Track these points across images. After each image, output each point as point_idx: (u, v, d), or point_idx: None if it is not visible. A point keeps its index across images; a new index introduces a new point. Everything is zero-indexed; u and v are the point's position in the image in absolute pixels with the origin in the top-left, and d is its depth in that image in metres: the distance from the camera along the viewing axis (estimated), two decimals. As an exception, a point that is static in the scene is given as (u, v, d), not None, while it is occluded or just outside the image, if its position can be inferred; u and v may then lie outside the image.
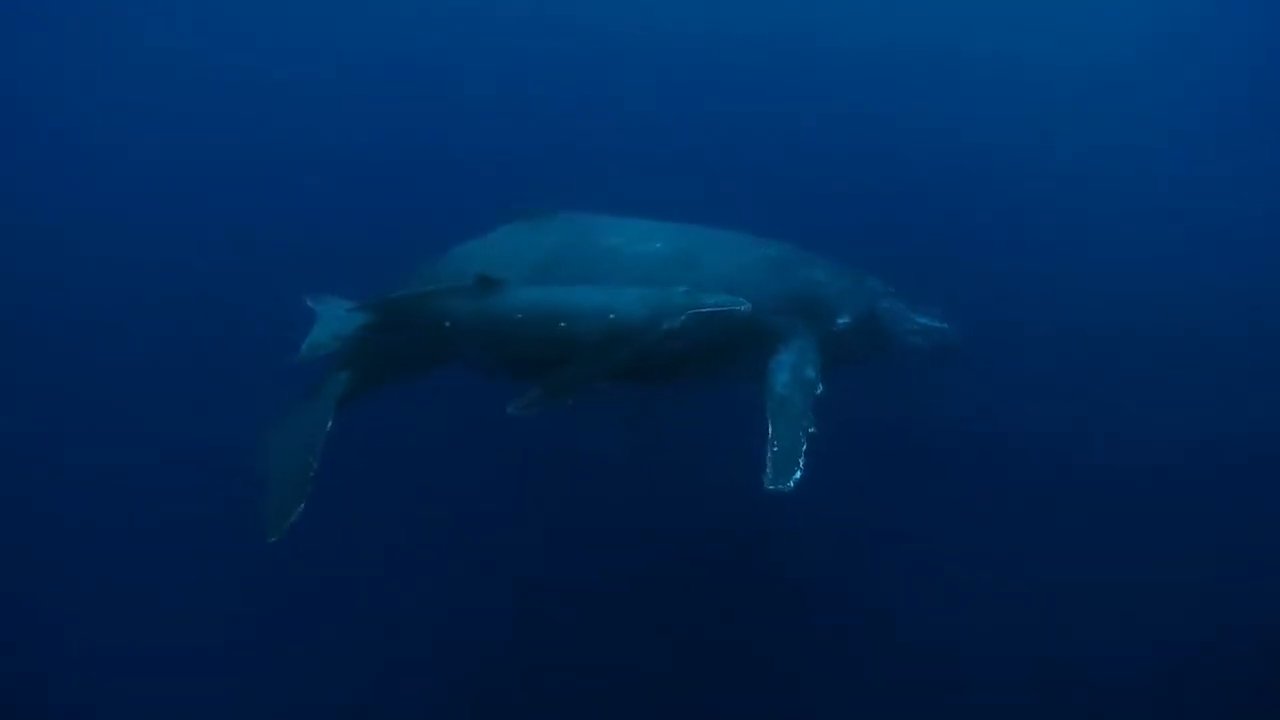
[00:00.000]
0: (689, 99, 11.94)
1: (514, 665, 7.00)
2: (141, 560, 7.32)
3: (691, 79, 12.26)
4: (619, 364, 5.89)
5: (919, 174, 11.05)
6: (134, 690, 6.71)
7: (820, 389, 5.90)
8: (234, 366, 7.10)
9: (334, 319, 6.08)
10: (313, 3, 13.43)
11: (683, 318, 5.86)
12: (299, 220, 9.54)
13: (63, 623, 7.12)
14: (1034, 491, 7.93)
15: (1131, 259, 10.29)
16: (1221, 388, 8.94)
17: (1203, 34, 12.97)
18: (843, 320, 6.45)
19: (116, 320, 9.22)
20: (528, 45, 12.85)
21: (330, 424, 5.95)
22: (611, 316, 5.84)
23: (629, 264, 6.38)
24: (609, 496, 7.54)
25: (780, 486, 5.37)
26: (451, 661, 7.01)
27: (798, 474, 5.40)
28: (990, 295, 9.21)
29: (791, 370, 6.01)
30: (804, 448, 5.52)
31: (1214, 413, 8.65)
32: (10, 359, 8.70)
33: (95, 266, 9.80)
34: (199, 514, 7.41)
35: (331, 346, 5.97)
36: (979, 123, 11.83)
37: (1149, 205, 11.02)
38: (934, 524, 7.58)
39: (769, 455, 5.55)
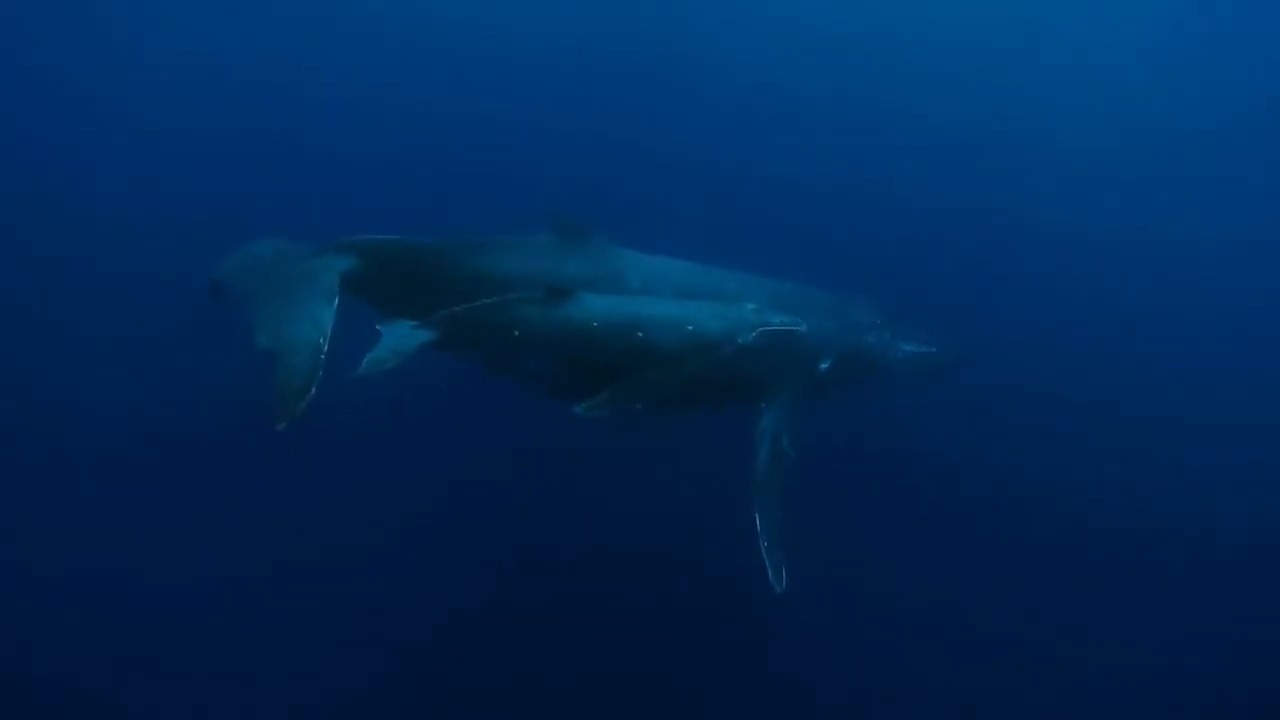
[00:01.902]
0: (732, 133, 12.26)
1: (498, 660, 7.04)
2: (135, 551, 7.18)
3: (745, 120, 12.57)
4: (690, 375, 5.91)
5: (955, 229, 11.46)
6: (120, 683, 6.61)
7: (792, 455, 6.30)
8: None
9: (396, 336, 5.74)
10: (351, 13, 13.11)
11: (753, 334, 6.00)
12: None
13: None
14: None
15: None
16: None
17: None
18: (824, 365, 6.74)
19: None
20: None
21: (337, 302, 5.87)
22: (689, 328, 5.90)
23: None
24: (597, 497, 7.59)
25: (778, 587, 5.74)
26: (434, 656, 7.05)
27: (784, 572, 5.78)
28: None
29: (771, 442, 6.31)
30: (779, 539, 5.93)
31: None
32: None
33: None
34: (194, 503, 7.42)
35: (392, 362, 5.59)
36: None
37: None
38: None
39: (764, 553, 5.86)
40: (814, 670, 7.11)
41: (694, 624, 7.18)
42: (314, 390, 5.32)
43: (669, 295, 6.44)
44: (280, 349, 5.59)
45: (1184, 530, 8.27)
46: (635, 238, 6.87)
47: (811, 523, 6.00)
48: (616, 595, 7.22)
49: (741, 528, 5.96)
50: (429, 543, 7.49)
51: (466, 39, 13.05)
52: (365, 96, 12.07)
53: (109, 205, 10.08)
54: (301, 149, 10.85)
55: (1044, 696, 7.17)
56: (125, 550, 7.19)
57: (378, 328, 5.85)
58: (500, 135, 11.79)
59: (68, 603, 7.01)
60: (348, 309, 6.03)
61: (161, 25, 12.18)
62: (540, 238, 6.64)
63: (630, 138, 11.85)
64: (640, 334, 5.79)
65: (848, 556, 7.17)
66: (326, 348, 5.55)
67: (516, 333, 5.79)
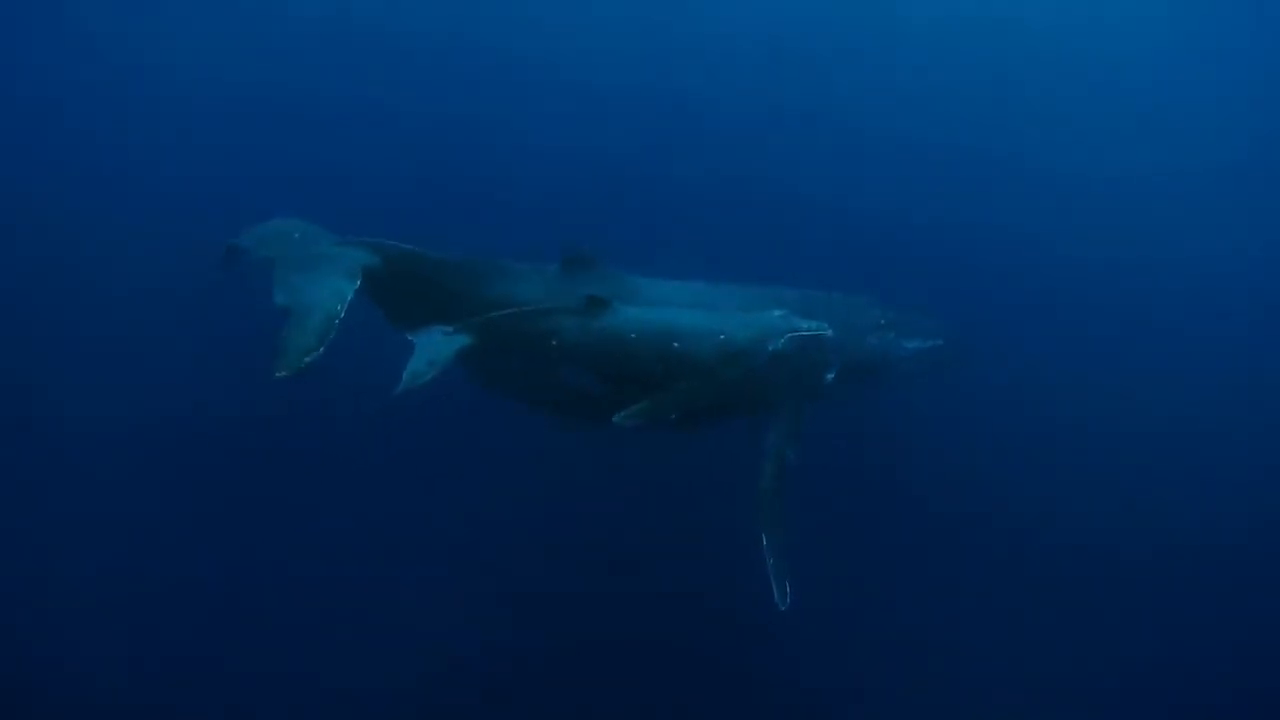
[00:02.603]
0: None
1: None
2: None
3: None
4: (722, 384, 6.00)
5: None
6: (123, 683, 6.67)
7: (794, 459, 6.35)
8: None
9: (431, 345, 5.73)
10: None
11: (782, 340, 6.11)
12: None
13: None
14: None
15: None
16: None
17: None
18: (829, 376, 6.71)
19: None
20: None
21: (358, 284, 5.96)
22: (721, 337, 6.00)
23: None
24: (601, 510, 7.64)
25: (783, 604, 5.79)
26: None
27: (789, 590, 5.81)
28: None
29: (776, 457, 6.32)
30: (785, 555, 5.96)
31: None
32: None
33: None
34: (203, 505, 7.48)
35: (430, 374, 5.58)
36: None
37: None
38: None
39: (769, 570, 5.89)
40: (817, 684, 7.19)
41: (699, 637, 7.23)
42: (321, 350, 5.38)
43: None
44: (296, 307, 5.65)
45: (1186, 537, 8.39)
46: (631, 257, 6.88)
47: (811, 533, 6.07)
48: (618, 605, 7.28)
49: (744, 541, 6.01)
50: (431, 549, 7.54)
51: (473, 59, 13.00)
52: (371, 113, 11.99)
53: (113, 208, 9.99)
54: (306, 162, 10.73)
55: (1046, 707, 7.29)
56: (131, 551, 7.25)
57: (409, 337, 5.85)
58: (501, 159, 11.73)
59: (90, 603, 7.05)
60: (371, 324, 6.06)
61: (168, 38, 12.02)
62: (550, 267, 6.63)
63: (610, 156, 11.87)
64: (676, 344, 5.87)
65: (848, 568, 7.19)
66: (343, 314, 5.61)
67: (554, 342, 5.85)
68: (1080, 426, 9.19)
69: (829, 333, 6.27)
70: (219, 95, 11.50)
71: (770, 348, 6.04)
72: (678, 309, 6.17)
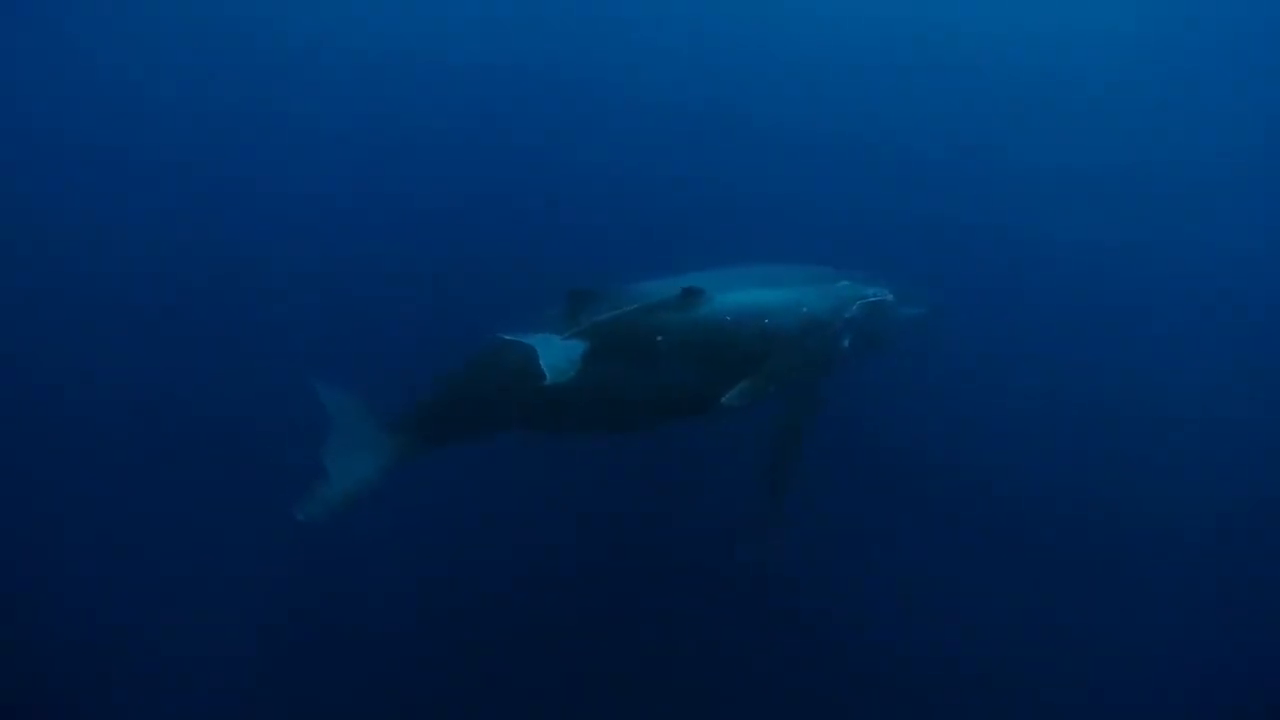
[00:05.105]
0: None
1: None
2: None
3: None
4: (808, 355, 6.48)
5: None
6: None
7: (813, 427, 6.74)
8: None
9: (557, 347, 5.82)
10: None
11: (855, 307, 6.66)
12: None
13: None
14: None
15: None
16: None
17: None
18: (845, 343, 6.89)
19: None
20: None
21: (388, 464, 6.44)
22: (804, 310, 6.46)
23: None
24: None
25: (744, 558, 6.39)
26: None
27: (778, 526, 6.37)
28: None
29: (794, 427, 6.76)
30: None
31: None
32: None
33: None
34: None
35: (573, 371, 5.71)
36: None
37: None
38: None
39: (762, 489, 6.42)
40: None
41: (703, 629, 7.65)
42: (339, 509, 6.03)
43: None
44: (333, 471, 6.25)
45: (1186, 523, 8.73)
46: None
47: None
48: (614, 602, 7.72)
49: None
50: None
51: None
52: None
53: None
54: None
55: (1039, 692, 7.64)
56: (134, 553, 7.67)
57: (509, 337, 5.89)
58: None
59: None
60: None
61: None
62: (553, 310, 6.41)
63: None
64: (766, 321, 6.23)
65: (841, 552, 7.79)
66: (366, 487, 6.21)
67: (660, 338, 6.06)
68: (1077, 408, 9.73)
69: (891, 298, 6.81)
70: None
71: (845, 315, 6.54)
72: (762, 289, 6.45)
